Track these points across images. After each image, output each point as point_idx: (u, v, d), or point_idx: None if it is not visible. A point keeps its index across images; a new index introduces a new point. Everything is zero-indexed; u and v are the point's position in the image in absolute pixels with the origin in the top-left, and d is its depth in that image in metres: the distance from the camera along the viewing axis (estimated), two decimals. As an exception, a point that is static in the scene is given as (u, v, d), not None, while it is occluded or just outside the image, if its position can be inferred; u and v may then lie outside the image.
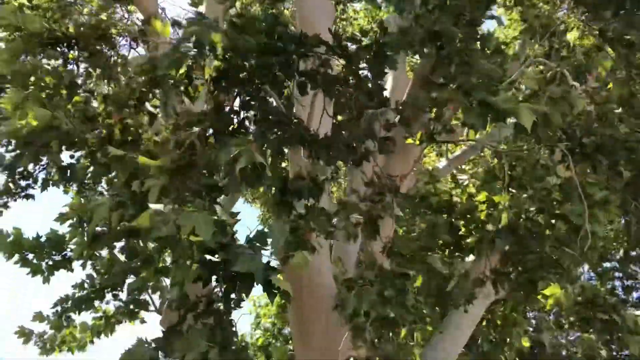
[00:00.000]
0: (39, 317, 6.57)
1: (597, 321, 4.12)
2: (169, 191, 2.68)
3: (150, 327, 6.88)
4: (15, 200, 5.91)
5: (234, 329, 2.91)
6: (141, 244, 4.04)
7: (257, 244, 2.82)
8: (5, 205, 5.93)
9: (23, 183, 5.82)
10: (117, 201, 2.75)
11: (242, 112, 3.15)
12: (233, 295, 2.70)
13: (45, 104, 3.87)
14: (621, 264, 13.49)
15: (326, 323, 4.00)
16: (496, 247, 4.64)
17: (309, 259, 3.50)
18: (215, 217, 2.56)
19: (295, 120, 2.99)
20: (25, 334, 6.79)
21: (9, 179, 5.80)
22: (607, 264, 12.85)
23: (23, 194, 5.87)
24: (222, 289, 2.72)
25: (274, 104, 3.23)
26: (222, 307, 2.64)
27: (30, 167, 5.66)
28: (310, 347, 3.99)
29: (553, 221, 4.56)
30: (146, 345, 2.51)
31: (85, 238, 4.84)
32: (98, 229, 3.40)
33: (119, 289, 5.85)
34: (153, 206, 2.49)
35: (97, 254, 5.42)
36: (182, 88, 3.06)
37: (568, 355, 13.30)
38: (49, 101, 3.92)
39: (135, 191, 2.63)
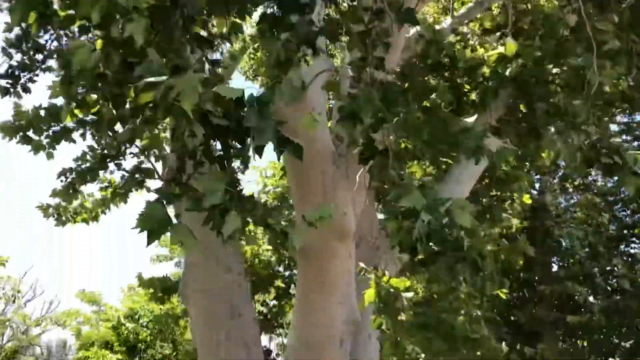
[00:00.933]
0: (53, 193, 6.74)
1: (599, 164, 4.10)
2: (153, 38, 2.53)
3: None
4: (37, 74, 5.83)
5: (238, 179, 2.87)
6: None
7: (264, 100, 2.73)
8: (32, 80, 5.84)
9: (39, 56, 5.69)
10: (98, 41, 2.57)
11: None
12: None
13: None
14: (628, 126, 13.40)
15: (323, 177, 4.01)
16: (500, 98, 4.52)
17: (317, 119, 3.41)
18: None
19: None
20: (44, 209, 7.05)
21: (24, 56, 5.68)
22: (614, 127, 12.77)
23: (43, 66, 5.77)
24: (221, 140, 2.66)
25: None
26: (221, 153, 2.59)
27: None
28: (307, 202, 4.05)
29: (560, 70, 4.40)
30: (157, 203, 2.48)
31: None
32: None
33: (121, 157, 5.89)
34: (148, 80, 2.35)
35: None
36: None
37: (571, 217, 13.70)
38: None
39: (116, 38, 2.46)
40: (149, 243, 2.31)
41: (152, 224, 2.30)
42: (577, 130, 3.96)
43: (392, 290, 2.74)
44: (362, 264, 3.62)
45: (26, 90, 5.60)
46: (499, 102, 5.05)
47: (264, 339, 12.00)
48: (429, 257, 2.12)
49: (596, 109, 4.24)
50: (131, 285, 13.56)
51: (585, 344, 12.66)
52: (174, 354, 13.10)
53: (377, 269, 3.30)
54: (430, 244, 2.10)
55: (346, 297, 3.93)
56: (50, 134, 5.62)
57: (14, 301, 17.29)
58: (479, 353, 7.25)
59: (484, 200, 6.20)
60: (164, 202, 2.56)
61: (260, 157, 2.85)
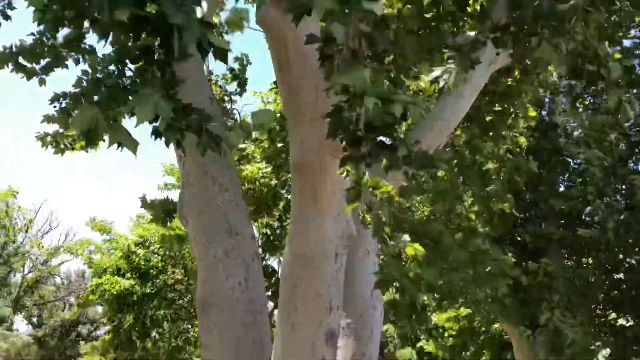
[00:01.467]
0: (46, 118, 6.66)
1: (584, 72, 3.92)
2: None
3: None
4: None
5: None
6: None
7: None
8: (10, 5, 5.65)
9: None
10: None
11: None
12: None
13: None
14: (644, 40, 12.87)
15: (316, 92, 3.88)
16: (501, 6, 4.29)
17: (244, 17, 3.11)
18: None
19: None
20: (42, 137, 7.01)
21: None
22: (627, 42, 12.25)
23: None
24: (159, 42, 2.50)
25: None
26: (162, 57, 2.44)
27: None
28: (300, 117, 3.94)
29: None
30: (90, 104, 2.37)
31: None
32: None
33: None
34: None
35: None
36: None
37: (584, 138, 13.45)
38: None
39: None
40: (87, 144, 2.23)
41: (88, 125, 2.22)
42: (563, 36, 3.75)
43: (370, 189, 2.65)
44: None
45: (6, 17, 5.40)
46: (502, 12, 4.81)
47: (274, 262, 12.24)
48: (374, 149, 2.01)
49: (588, 14, 3.99)
50: (140, 214, 13.76)
51: (590, 261, 12.77)
52: (186, 278, 13.45)
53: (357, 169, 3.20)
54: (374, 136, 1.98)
55: (341, 212, 3.90)
56: (43, 62, 5.51)
57: (26, 230, 17.68)
58: (482, 268, 7.33)
59: (487, 115, 6.03)
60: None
61: (183, 59, 2.63)
